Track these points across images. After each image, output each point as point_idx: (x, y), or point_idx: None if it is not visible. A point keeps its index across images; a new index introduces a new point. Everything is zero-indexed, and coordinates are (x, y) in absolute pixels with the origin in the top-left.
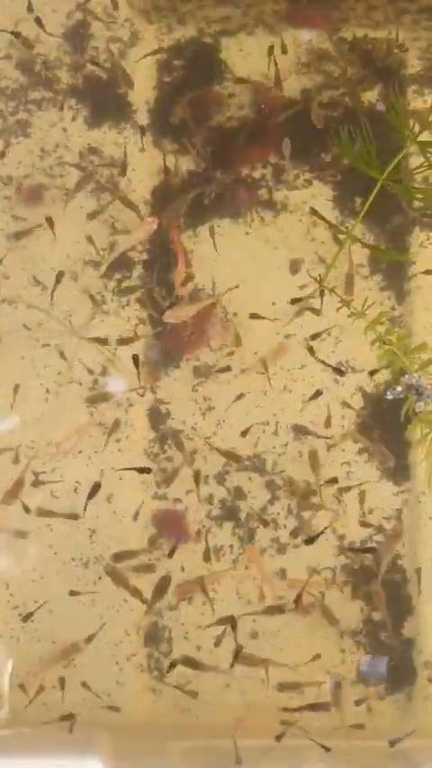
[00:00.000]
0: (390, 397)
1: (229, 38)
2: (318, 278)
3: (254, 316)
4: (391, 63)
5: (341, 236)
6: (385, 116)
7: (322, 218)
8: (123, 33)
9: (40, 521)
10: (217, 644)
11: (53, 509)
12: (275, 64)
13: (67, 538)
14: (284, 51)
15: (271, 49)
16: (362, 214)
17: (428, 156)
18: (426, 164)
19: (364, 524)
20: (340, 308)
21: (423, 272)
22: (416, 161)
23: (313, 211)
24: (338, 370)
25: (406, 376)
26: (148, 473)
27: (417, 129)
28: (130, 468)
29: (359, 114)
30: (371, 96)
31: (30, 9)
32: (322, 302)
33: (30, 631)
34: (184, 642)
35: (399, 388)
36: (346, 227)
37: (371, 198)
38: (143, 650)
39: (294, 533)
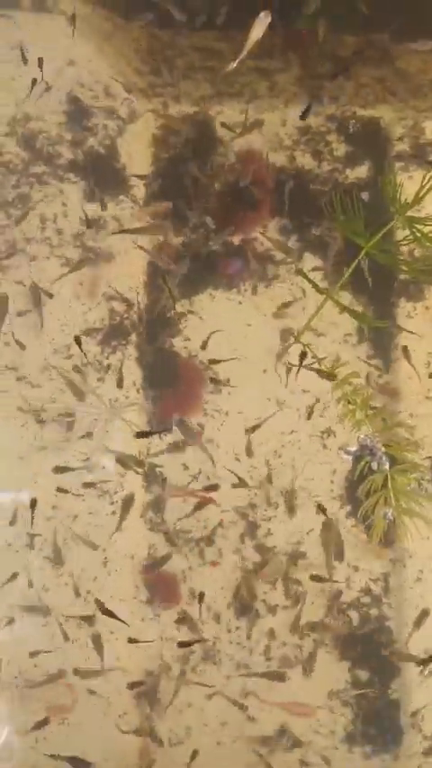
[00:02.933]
0: (345, 456)
1: (224, 114)
2: (296, 334)
3: (245, 382)
4: (379, 141)
5: (324, 296)
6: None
7: (306, 277)
8: (122, 111)
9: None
10: (209, 699)
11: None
12: (272, 139)
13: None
14: (281, 126)
15: (264, 124)
16: (346, 275)
17: (414, 230)
18: (411, 237)
19: (351, 587)
20: (312, 363)
21: (409, 341)
22: (402, 233)
23: (299, 271)
24: (326, 435)
25: (361, 437)
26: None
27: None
28: None
29: (351, 187)
30: (360, 172)
31: (32, 87)
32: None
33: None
34: (177, 701)
35: (353, 448)
36: (328, 291)
37: (355, 262)
38: (135, 710)
39: (283, 594)
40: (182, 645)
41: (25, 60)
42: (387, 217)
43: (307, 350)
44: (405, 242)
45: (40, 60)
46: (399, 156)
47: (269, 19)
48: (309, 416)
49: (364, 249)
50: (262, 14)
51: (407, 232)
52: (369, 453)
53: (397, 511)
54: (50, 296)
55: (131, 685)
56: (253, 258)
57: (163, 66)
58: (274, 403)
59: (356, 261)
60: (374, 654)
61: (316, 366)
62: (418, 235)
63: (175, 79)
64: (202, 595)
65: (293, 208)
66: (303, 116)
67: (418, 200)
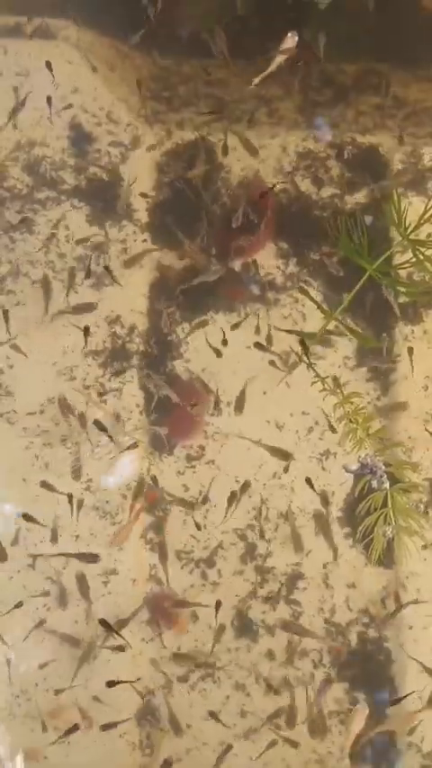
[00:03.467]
0: (346, 473)
1: (226, 140)
2: (298, 353)
3: (246, 404)
4: (377, 166)
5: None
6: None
7: (310, 297)
8: (125, 137)
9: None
10: (206, 720)
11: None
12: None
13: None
14: (281, 152)
15: (265, 150)
16: (350, 296)
17: (417, 252)
18: (412, 260)
19: (350, 607)
20: (314, 382)
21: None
22: (401, 258)
23: (302, 291)
24: (324, 457)
25: (362, 455)
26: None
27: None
28: None
29: (352, 212)
30: (360, 197)
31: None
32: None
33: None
34: (176, 720)
35: (354, 466)
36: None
37: (359, 284)
38: (136, 729)
39: (282, 615)
40: (110, 684)
41: (26, 94)
42: (385, 241)
43: (312, 369)
44: (407, 265)
45: (53, 74)
46: (398, 183)
47: (297, 38)
48: (285, 467)
49: (368, 272)
50: (290, 34)
51: (407, 256)
52: (370, 472)
53: (396, 529)
54: (52, 319)
55: (104, 727)
56: (253, 282)
57: (166, 92)
58: (273, 425)
59: (360, 283)
60: (372, 675)
61: (319, 384)
62: (421, 257)
63: (177, 106)
64: (219, 604)
65: (293, 232)
66: (262, 196)
67: (424, 220)
